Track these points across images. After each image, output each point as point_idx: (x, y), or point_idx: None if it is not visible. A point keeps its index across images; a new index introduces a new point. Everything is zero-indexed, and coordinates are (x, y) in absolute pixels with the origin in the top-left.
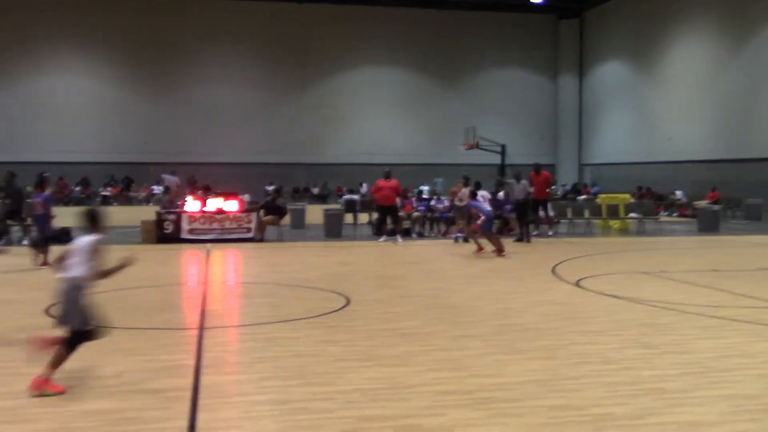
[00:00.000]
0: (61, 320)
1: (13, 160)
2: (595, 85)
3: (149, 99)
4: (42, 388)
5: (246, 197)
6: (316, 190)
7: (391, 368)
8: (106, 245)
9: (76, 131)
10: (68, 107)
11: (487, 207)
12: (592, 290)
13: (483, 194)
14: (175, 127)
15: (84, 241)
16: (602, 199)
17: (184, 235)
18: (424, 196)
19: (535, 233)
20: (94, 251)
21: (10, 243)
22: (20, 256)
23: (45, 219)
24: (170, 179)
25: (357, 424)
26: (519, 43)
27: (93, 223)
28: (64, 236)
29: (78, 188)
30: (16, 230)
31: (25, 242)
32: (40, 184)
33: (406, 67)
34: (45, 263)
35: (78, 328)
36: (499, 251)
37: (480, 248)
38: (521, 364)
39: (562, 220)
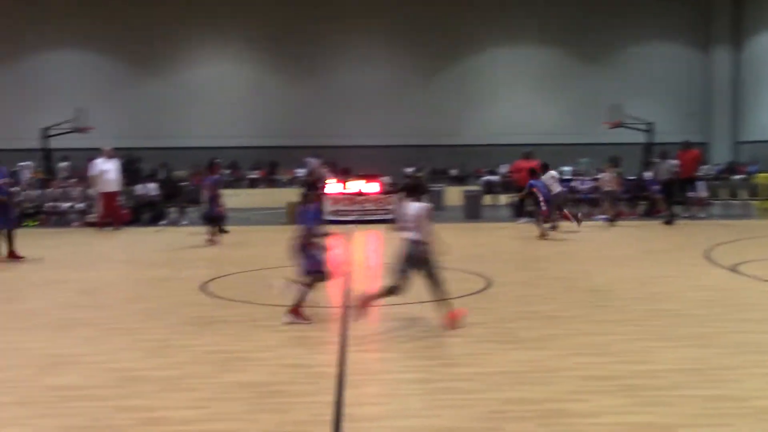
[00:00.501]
0: (401, 271)
1: (167, 146)
2: (755, 56)
3: (293, 84)
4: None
5: (386, 179)
6: (454, 172)
7: (534, 351)
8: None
9: (225, 117)
10: (217, 94)
11: (556, 188)
12: (751, 276)
13: (553, 174)
14: (317, 111)
15: (416, 207)
16: (761, 178)
17: (328, 217)
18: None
19: (685, 215)
20: (426, 217)
21: (173, 224)
22: (177, 234)
23: (213, 200)
24: (313, 162)
25: (501, 406)
26: (666, 13)
27: (416, 192)
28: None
29: (228, 171)
30: (173, 211)
31: (185, 222)
32: (211, 168)
33: (547, 43)
34: (211, 238)
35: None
36: (541, 235)
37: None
38: (672, 352)
39: (715, 201)
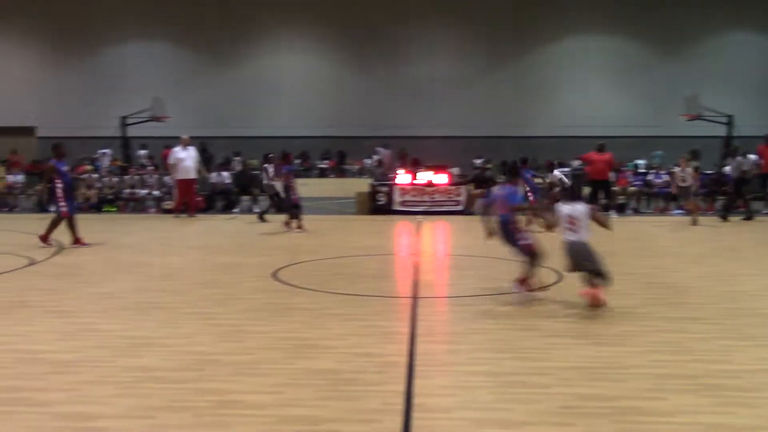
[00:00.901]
0: (584, 267)
1: (239, 135)
2: None
3: (362, 74)
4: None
5: (455, 170)
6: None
7: (608, 347)
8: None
9: (296, 107)
10: (288, 85)
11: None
12: None
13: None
14: (386, 102)
15: (582, 208)
16: None
17: (396, 207)
18: (641, 170)
19: (766, 211)
20: (590, 217)
21: (245, 212)
22: (249, 222)
23: (289, 189)
24: (383, 152)
25: (574, 401)
26: (744, 1)
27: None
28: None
29: (298, 161)
30: (246, 200)
31: (257, 210)
32: (284, 157)
33: (619, 32)
34: (294, 226)
35: (598, 268)
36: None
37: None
38: (754, 352)
39: None
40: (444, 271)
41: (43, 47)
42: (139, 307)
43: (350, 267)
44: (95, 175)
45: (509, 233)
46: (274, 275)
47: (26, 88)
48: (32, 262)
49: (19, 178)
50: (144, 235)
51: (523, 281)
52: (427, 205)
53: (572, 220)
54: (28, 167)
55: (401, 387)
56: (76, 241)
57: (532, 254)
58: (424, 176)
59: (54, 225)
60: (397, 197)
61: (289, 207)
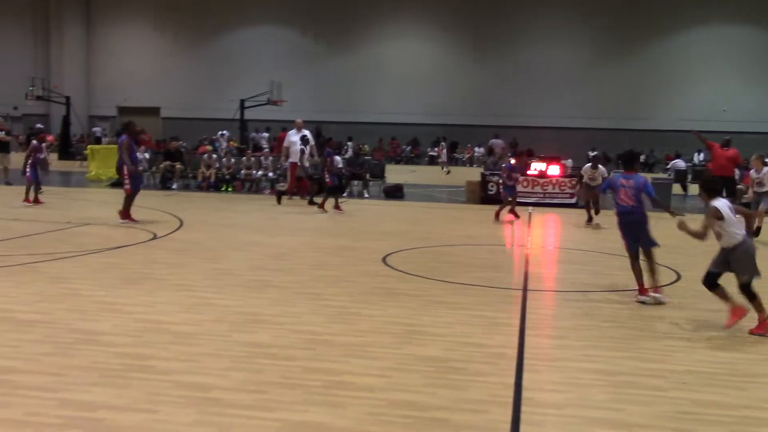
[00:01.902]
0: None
1: (352, 120)
2: None
3: (477, 63)
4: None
5: (568, 162)
6: (642, 158)
7: (729, 353)
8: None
9: (409, 94)
10: (402, 71)
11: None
12: None
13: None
14: (500, 91)
15: (727, 205)
16: None
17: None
18: None
19: None
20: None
21: (356, 196)
22: (359, 206)
23: (327, 171)
24: (496, 142)
25: (691, 407)
26: None
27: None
28: (398, 192)
29: (408, 148)
30: (356, 185)
31: (367, 196)
32: (327, 141)
33: (748, 22)
34: (331, 206)
35: (750, 277)
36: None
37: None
38: None
39: None
40: (554, 265)
41: (169, 32)
42: (252, 285)
43: (459, 256)
44: (214, 156)
45: (641, 228)
46: (384, 260)
47: (153, 71)
48: (155, 237)
49: (146, 156)
50: (258, 216)
51: (646, 287)
52: (539, 197)
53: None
54: (150, 145)
55: (510, 379)
56: (125, 216)
57: (651, 253)
58: (536, 167)
59: (127, 201)
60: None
61: (329, 189)
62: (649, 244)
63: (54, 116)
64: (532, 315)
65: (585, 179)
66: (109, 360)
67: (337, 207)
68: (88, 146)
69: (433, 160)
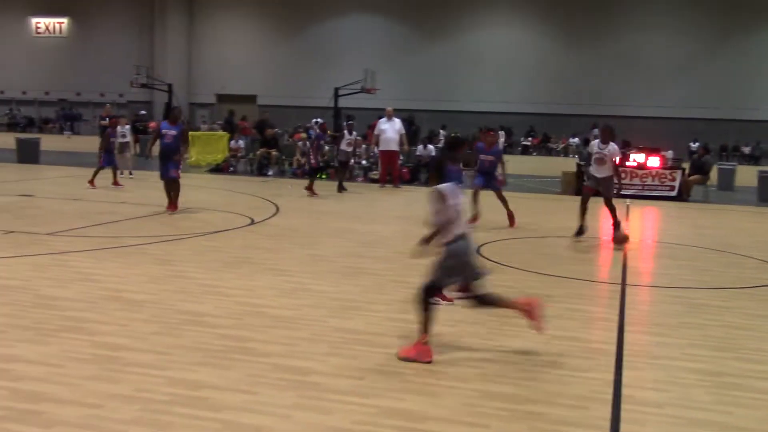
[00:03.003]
0: None
1: (445, 109)
2: None
3: (572, 51)
4: None
5: (669, 153)
6: (747, 150)
7: None
8: None
9: (502, 83)
10: (495, 60)
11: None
12: None
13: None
14: (596, 79)
15: None
16: None
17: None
18: None
19: None
20: None
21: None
22: None
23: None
24: (595, 132)
25: None
26: None
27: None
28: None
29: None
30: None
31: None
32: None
33: None
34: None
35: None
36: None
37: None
38: None
39: None
40: (654, 259)
41: (268, 21)
42: (347, 271)
43: (554, 248)
44: (308, 143)
45: None
46: (477, 251)
47: (251, 60)
48: (252, 222)
49: (241, 143)
50: (351, 203)
51: None
52: (637, 189)
53: None
54: (248, 132)
55: (609, 376)
56: (171, 206)
57: None
58: (634, 158)
59: (170, 189)
60: None
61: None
62: None
63: (157, 103)
64: (631, 310)
65: None
66: (212, 341)
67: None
68: (189, 132)
69: (526, 150)
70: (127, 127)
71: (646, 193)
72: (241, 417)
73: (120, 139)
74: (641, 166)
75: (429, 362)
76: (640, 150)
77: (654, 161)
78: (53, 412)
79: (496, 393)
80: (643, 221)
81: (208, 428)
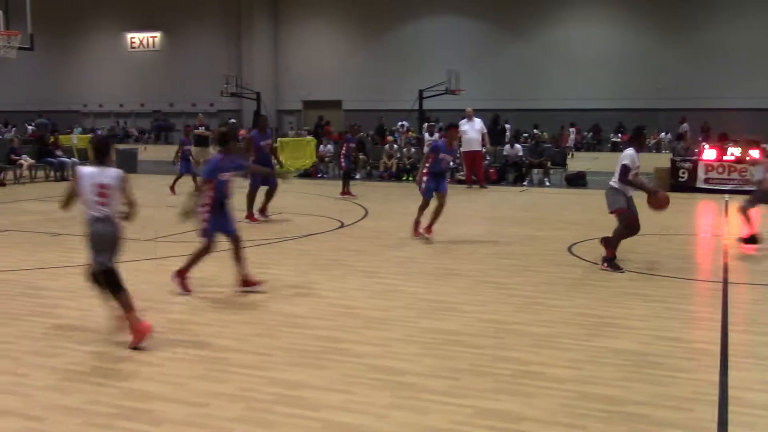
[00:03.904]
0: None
1: (530, 108)
2: None
3: (660, 43)
4: None
5: None
6: None
7: None
8: None
9: (589, 79)
10: (581, 55)
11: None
12: None
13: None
14: (686, 72)
15: None
16: None
17: (700, 185)
18: None
19: None
20: None
21: (536, 185)
22: (540, 195)
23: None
24: (685, 127)
25: None
26: None
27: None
28: (580, 179)
29: (589, 134)
30: (536, 173)
31: (548, 184)
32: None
33: None
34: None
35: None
36: None
37: None
38: None
39: None
40: (757, 257)
41: (350, 26)
42: (437, 273)
43: (649, 246)
44: (395, 146)
45: None
46: (569, 249)
47: (335, 65)
48: (342, 225)
49: (329, 147)
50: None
51: None
52: (736, 184)
53: None
54: (335, 137)
55: (714, 377)
56: (262, 210)
57: None
58: (732, 152)
59: (267, 197)
60: (701, 174)
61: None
62: None
63: (246, 111)
64: (734, 309)
65: None
66: (308, 342)
67: (346, 192)
68: (277, 139)
69: (616, 147)
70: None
71: (747, 187)
72: (340, 416)
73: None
74: (740, 160)
75: (148, 335)
76: (737, 143)
77: (753, 155)
78: (162, 410)
79: (594, 394)
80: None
81: (309, 427)
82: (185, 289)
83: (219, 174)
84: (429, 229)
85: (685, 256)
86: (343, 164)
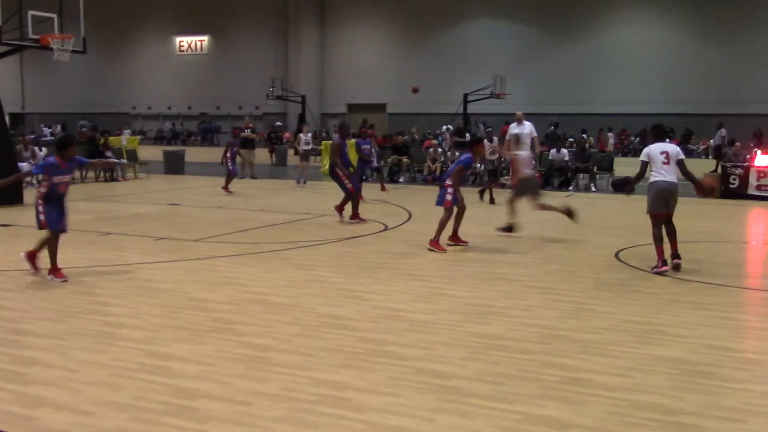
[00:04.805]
0: None
1: (577, 112)
2: None
3: (710, 47)
4: None
5: None
6: None
7: None
8: None
9: (637, 83)
10: (630, 59)
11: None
12: None
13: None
14: (738, 76)
15: None
16: None
17: (752, 191)
18: None
19: None
20: None
21: (582, 190)
22: (586, 200)
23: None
24: (722, 133)
25: None
26: None
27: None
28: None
29: (637, 140)
30: (582, 178)
31: (594, 189)
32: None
33: None
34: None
35: None
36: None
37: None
38: None
39: None
40: None
41: (395, 30)
42: (482, 276)
43: (699, 253)
44: (439, 150)
45: None
46: (617, 255)
47: (380, 68)
48: (386, 228)
49: (372, 151)
50: (482, 208)
51: None
52: None
53: None
54: (379, 141)
55: (766, 388)
56: (354, 216)
57: None
58: None
59: (344, 201)
60: (752, 181)
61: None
62: None
63: (291, 114)
64: None
65: None
66: (352, 344)
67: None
68: (322, 142)
69: None
70: (309, 135)
71: None
72: (385, 419)
73: (303, 147)
74: None
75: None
76: None
77: None
78: (207, 408)
79: (644, 402)
80: None
81: (354, 429)
82: (35, 268)
83: (54, 176)
84: (456, 237)
85: (735, 263)
86: (373, 161)
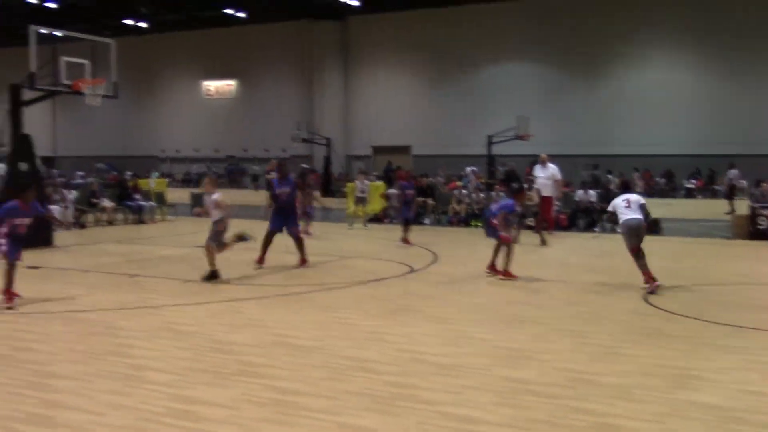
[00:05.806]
0: None
1: (601, 153)
2: None
3: (736, 88)
4: None
5: None
6: None
7: None
8: None
9: (660, 123)
10: (653, 101)
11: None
12: None
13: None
14: (763, 116)
15: None
16: None
17: None
18: None
19: None
20: None
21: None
22: (612, 242)
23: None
24: (733, 173)
25: None
26: None
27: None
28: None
29: (662, 180)
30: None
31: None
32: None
33: None
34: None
35: None
36: None
37: None
38: None
39: None
40: None
41: (419, 73)
42: (510, 320)
43: (730, 295)
44: (464, 191)
45: None
46: (646, 298)
47: (404, 111)
48: (411, 270)
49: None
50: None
51: None
52: None
53: None
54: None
55: None
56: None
57: None
58: None
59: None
60: None
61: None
62: None
63: (317, 156)
64: None
65: None
66: (378, 387)
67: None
68: (347, 184)
69: (690, 193)
70: (367, 182)
71: None
72: None
73: (359, 194)
74: None
75: None
76: None
77: None
78: None
79: None
80: None
81: None
82: (9, 302)
83: (15, 219)
84: (493, 267)
85: (764, 306)
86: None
